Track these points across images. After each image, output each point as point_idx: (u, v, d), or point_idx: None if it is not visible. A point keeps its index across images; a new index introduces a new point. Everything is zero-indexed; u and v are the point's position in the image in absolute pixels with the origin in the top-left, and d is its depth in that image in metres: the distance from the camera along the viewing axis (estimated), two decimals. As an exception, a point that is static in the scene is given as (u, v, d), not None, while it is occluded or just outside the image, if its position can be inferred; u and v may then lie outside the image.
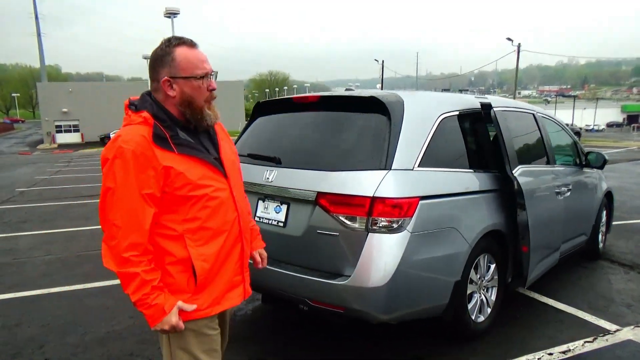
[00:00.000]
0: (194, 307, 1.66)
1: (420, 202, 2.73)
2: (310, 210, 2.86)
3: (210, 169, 1.71)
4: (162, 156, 1.59)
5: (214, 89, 1.72)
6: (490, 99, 3.74)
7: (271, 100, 3.61)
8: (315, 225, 2.82)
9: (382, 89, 58.41)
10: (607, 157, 4.85)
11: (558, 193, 4.12)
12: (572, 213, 4.42)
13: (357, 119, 3.04)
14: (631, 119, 69.61)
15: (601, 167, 4.87)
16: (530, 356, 3.05)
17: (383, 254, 2.64)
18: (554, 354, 3.08)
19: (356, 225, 2.69)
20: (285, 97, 3.60)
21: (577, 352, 3.11)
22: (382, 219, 2.65)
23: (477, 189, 3.20)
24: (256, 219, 3.15)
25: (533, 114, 4.24)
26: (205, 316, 1.71)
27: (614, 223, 5.92)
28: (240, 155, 3.37)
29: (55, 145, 43.25)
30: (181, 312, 1.63)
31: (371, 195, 2.65)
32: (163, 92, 1.67)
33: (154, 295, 1.56)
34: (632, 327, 3.50)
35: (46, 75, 60.93)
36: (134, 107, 1.67)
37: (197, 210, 1.65)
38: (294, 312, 3.72)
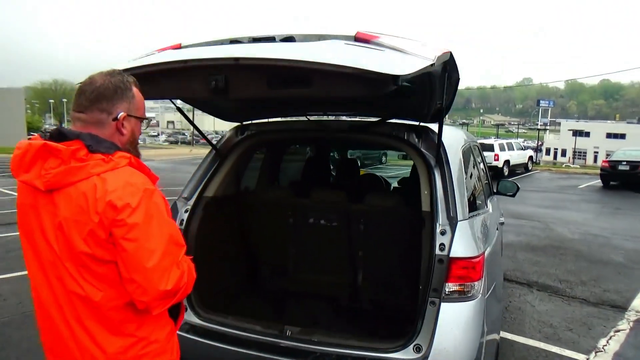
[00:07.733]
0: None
1: (485, 257, 2.27)
2: None
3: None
4: None
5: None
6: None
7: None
8: None
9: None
10: (519, 185, 4.97)
11: (501, 223, 4.12)
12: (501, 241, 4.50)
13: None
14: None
15: (514, 195, 4.97)
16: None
17: (463, 331, 2.09)
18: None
19: (424, 295, 2.08)
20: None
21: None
22: (457, 285, 2.10)
23: (495, 231, 2.90)
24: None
25: (477, 145, 4.18)
26: None
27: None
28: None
29: None
30: None
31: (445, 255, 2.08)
32: (114, 128, 1.39)
33: None
34: (594, 352, 3.62)
35: None
36: (103, 148, 1.32)
37: None
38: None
